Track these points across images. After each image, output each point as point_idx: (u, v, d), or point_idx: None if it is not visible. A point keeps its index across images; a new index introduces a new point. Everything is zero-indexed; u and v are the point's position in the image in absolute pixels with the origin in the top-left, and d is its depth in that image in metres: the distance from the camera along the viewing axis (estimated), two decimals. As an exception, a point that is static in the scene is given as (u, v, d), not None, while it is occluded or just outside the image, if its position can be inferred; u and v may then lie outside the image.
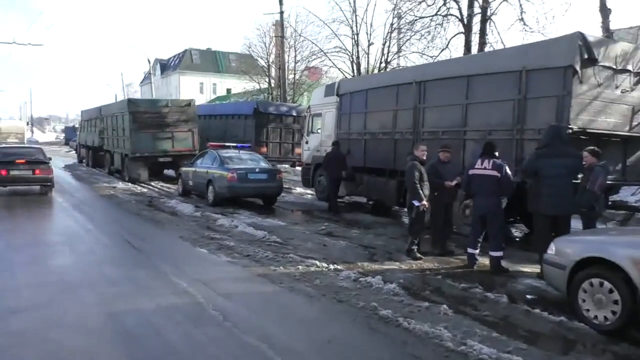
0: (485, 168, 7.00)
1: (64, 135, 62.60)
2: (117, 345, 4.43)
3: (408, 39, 24.03)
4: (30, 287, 6.01)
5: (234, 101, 36.04)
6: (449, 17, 21.47)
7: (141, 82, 77.52)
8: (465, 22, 20.97)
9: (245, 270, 6.81)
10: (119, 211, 12.15)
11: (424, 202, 7.59)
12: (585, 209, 6.84)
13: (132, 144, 17.93)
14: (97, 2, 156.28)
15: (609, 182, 8.95)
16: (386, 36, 25.41)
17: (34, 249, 8.02)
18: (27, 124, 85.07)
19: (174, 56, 71.72)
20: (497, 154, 7.23)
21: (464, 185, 7.36)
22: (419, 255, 7.63)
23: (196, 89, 63.95)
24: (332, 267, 6.94)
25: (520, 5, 19.33)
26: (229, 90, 56.61)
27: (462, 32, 21.25)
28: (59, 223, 10.96)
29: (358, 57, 27.34)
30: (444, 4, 20.71)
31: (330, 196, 12.62)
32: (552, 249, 5.55)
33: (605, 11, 16.89)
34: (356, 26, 26.86)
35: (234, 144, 14.53)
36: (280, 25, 26.05)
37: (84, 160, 27.02)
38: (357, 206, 13.62)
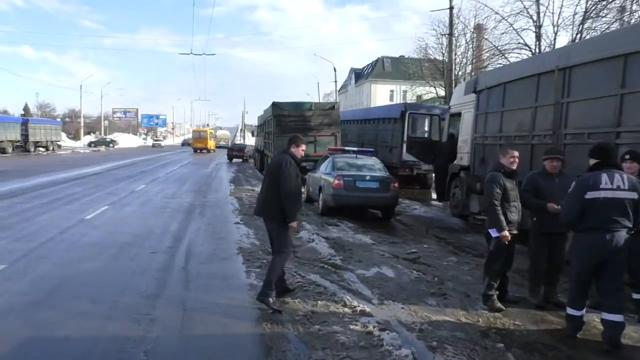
0: (618, 188, 4.37)
1: None
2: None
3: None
4: None
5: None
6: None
7: (339, 91, 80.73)
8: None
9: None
10: (213, 212, 12.00)
11: (506, 232, 5.28)
12: None
13: (274, 148, 17.88)
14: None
15: None
16: (578, 25, 21.25)
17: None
18: (241, 130, 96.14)
19: (368, 65, 73.11)
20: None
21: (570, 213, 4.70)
22: (498, 304, 5.35)
23: (386, 97, 64.11)
24: (358, 309, 5.17)
25: None
26: (419, 97, 54.95)
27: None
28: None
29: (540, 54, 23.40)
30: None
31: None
32: None
33: None
34: (538, 17, 23.03)
35: (355, 149, 13.18)
36: (449, 23, 23.73)
37: (256, 164, 28.41)
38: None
